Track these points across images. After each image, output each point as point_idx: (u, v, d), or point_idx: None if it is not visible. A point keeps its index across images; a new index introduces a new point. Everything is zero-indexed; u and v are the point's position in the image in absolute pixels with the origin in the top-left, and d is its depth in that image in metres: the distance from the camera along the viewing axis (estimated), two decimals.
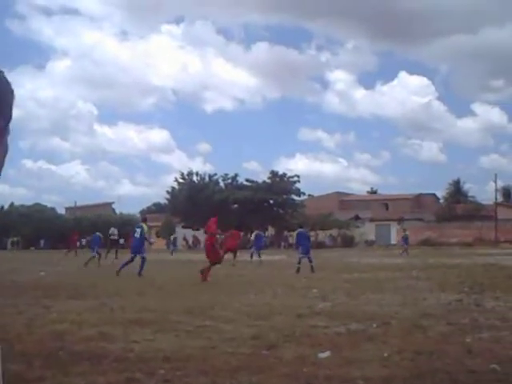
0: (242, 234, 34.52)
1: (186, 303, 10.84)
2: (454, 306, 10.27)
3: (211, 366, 5.82)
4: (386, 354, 6.24)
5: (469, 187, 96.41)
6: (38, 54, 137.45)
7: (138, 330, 7.98)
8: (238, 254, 28.75)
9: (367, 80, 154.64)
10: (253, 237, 33.25)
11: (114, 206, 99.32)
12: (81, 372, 5.64)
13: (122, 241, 78.31)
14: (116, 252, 34.59)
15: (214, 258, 15.65)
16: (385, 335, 7.40)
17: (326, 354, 6.31)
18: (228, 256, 25.52)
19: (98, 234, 30.14)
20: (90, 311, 9.83)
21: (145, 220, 21.87)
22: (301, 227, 24.04)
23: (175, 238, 50.44)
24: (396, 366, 5.78)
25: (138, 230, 19.86)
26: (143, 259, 18.98)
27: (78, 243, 43.10)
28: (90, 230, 76.61)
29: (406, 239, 40.60)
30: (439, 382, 5.25)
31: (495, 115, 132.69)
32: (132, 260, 19.40)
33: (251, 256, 29.93)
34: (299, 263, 20.68)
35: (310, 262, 20.74)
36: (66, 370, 5.72)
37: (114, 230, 37.59)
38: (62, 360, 6.14)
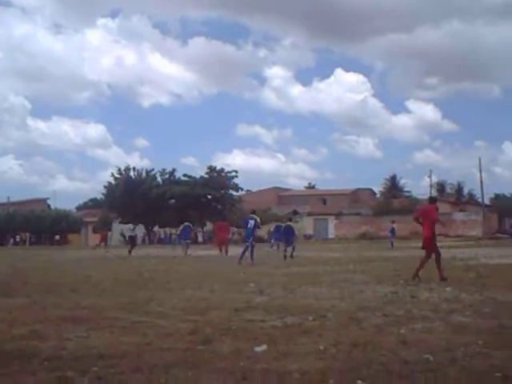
0: (228, 225, 35.49)
1: (122, 299, 10.66)
2: (389, 298, 10.41)
3: (146, 363, 5.72)
4: (321, 347, 6.26)
5: (404, 182, 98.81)
6: None
7: (72, 327, 7.79)
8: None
9: (304, 76, 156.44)
10: (272, 228, 35.47)
11: (49, 201, 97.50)
12: (10, 372, 5.45)
13: (57, 237, 76.98)
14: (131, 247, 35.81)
15: (434, 249, 14.30)
16: (321, 328, 7.42)
17: (262, 347, 6.29)
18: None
19: (187, 224, 30.09)
20: (21, 309, 9.55)
21: (254, 212, 23.66)
22: (290, 220, 28.02)
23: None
24: (332, 359, 5.80)
25: (252, 222, 22.23)
26: (252, 247, 21.89)
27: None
28: (24, 226, 75.37)
29: (393, 231, 39.64)
30: (374, 373, 5.27)
31: (429, 112, 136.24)
32: (247, 248, 22.02)
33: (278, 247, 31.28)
34: (285, 251, 24.85)
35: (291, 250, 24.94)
36: None
37: (130, 226, 40.98)
38: None
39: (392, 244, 37.89)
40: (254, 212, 23.77)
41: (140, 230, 73.46)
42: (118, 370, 5.49)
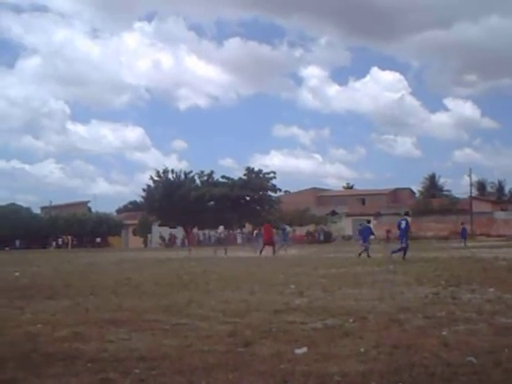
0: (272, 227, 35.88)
1: (163, 301, 10.75)
2: (430, 300, 10.28)
3: (187, 365, 5.75)
4: (362, 349, 6.22)
5: (444, 181, 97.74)
6: (7, 52, 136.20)
7: (113, 329, 7.88)
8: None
9: (340, 76, 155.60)
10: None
11: (89, 204, 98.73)
12: (54, 373, 5.54)
13: (98, 240, 77.92)
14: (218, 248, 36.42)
15: None
16: (362, 330, 7.37)
17: (303, 349, 6.27)
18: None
19: (367, 224, 29.63)
20: (64, 311, 9.70)
21: (407, 213, 25.57)
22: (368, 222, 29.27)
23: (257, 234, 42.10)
24: (373, 361, 5.76)
25: (403, 222, 23.65)
26: (407, 246, 23.14)
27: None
28: (65, 229, 76.50)
29: (463, 231, 41.36)
30: (416, 376, 5.22)
31: (468, 110, 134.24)
32: (402, 248, 23.26)
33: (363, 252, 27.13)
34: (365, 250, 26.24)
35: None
36: (39, 371, 5.63)
37: (221, 228, 41.72)
38: (35, 361, 6.05)
39: (465, 243, 38.61)
40: (407, 213, 25.38)
41: (179, 233, 74.12)
42: (160, 372, 5.53)
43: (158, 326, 8.13)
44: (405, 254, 23.07)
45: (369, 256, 25.64)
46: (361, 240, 28.24)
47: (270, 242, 32.19)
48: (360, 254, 25.79)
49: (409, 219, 24.38)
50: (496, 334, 6.91)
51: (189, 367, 5.67)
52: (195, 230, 74.83)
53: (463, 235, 40.86)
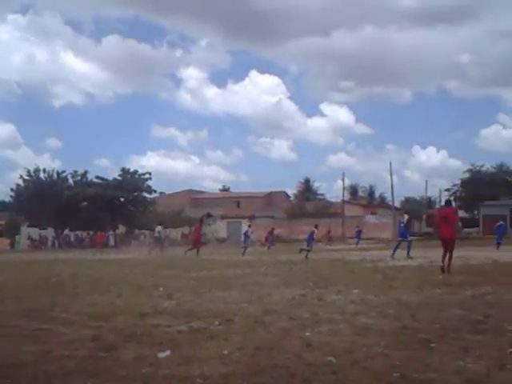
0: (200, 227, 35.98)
1: (25, 305, 10.32)
2: (297, 301, 10.45)
3: (43, 372, 5.53)
4: (226, 352, 6.22)
5: (318, 185, 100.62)
6: None
7: None
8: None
9: (219, 78, 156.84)
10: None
11: None
12: None
13: None
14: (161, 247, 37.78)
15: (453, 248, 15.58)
16: (227, 332, 7.38)
17: (166, 353, 6.20)
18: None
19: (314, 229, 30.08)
20: None
21: (406, 212, 29.53)
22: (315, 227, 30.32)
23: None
24: (236, 363, 5.77)
25: (403, 221, 26.35)
26: (410, 242, 24.79)
27: None
28: None
29: (359, 233, 47.42)
30: (278, 377, 5.28)
31: (344, 115, 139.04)
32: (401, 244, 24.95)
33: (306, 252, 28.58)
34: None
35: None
36: None
37: (159, 228, 41.03)
38: None
39: (357, 244, 44.26)
40: (406, 212, 29.63)
41: (49, 234, 71.78)
42: (13, 381, 5.31)
43: (18, 331, 7.79)
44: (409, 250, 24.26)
45: (306, 257, 26.41)
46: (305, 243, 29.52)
47: (196, 242, 33.17)
48: (306, 256, 26.75)
49: (406, 217, 26.73)
50: (356, 334, 7.12)
51: (45, 374, 5.45)
52: (66, 231, 72.81)
53: (358, 236, 46.70)
